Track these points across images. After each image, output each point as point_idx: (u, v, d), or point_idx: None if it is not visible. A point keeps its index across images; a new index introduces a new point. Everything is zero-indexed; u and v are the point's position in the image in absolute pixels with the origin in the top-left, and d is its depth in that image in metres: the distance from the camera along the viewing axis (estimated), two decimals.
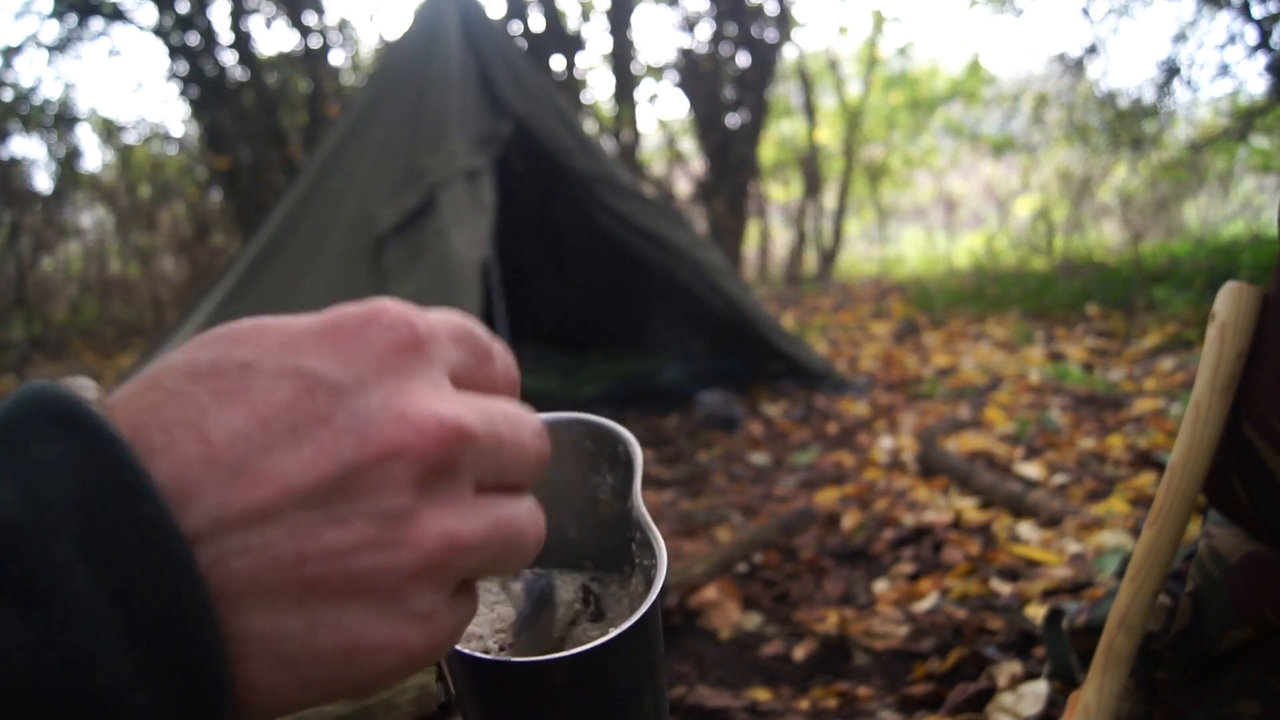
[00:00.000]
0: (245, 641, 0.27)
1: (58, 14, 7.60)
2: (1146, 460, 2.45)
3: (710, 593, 1.79)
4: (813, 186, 10.23)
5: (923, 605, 1.70)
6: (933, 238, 11.48)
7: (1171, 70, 5.77)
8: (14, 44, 7.50)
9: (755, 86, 8.10)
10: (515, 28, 7.41)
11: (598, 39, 9.47)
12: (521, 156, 3.79)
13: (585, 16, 8.17)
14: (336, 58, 8.30)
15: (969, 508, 2.21)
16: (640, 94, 8.51)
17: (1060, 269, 7.15)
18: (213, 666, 0.26)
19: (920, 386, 3.87)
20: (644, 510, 0.48)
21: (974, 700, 1.30)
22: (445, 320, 0.33)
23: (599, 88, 11.64)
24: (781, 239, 11.02)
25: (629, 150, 8.32)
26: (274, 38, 19.27)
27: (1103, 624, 0.76)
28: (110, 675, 0.24)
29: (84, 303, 8.63)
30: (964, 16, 18.46)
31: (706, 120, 8.19)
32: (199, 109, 7.87)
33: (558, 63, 7.72)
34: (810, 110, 9.92)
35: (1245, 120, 5.91)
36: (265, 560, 0.27)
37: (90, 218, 9.20)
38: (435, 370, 0.31)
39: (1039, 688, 1.27)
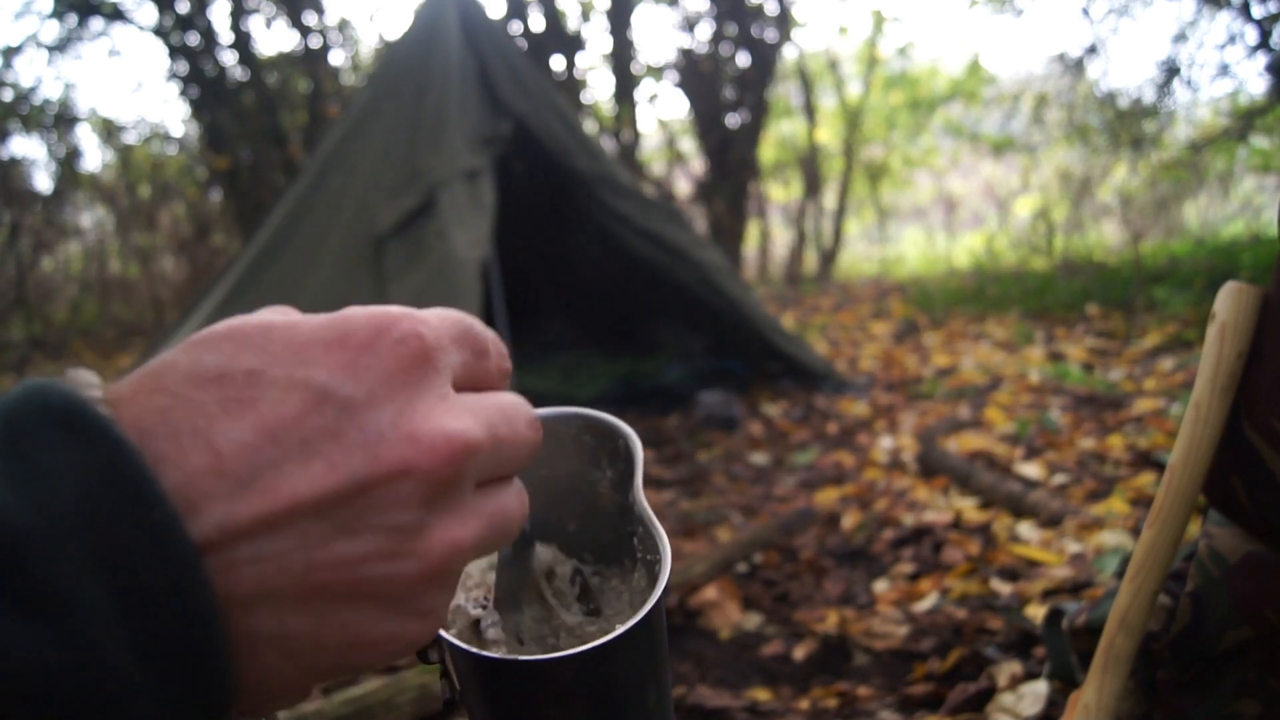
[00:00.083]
0: (251, 640, 0.27)
1: (58, 14, 7.60)
2: (1146, 460, 2.44)
3: (710, 593, 1.79)
4: (813, 186, 10.23)
5: (923, 605, 1.70)
6: (933, 238, 11.48)
7: (1171, 70, 5.77)
8: (14, 44, 7.50)
9: (755, 86, 8.10)
10: (515, 28, 7.41)
11: (598, 39, 9.48)
12: (521, 156, 3.79)
13: (585, 16, 8.17)
14: (336, 58, 8.31)
15: (969, 508, 2.21)
16: (640, 94, 8.51)
17: (1060, 269, 7.15)
18: (218, 669, 0.26)
19: (920, 386, 3.87)
20: (646, 505, 0.48)
21: (974, 700, 1.30)
22: (448, 322, 0.33)
23: (599, 88, 11.66)
24: (781, 239, 11.02)
25: (629, 150, 8.32)
26: (274, 38, 19.29)
27: (1103, 624, 0.76)
28: (115, 681, 0.24)
29: (84, 303, 8.63)
30: (964, 16, 18.47)
31: (706, 120, 8.19)
32: (199, 109, 7.87)
33: (558, 63, 7.72)
34: (810, 110, 9.92)
35: (1245, 120, 5.91)
36: (274, 568, 0.27)
37: (90, 218, 9.21)
38: (441, 380, 0.31)
39: (1039, 688, 1.27)
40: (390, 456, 0.28)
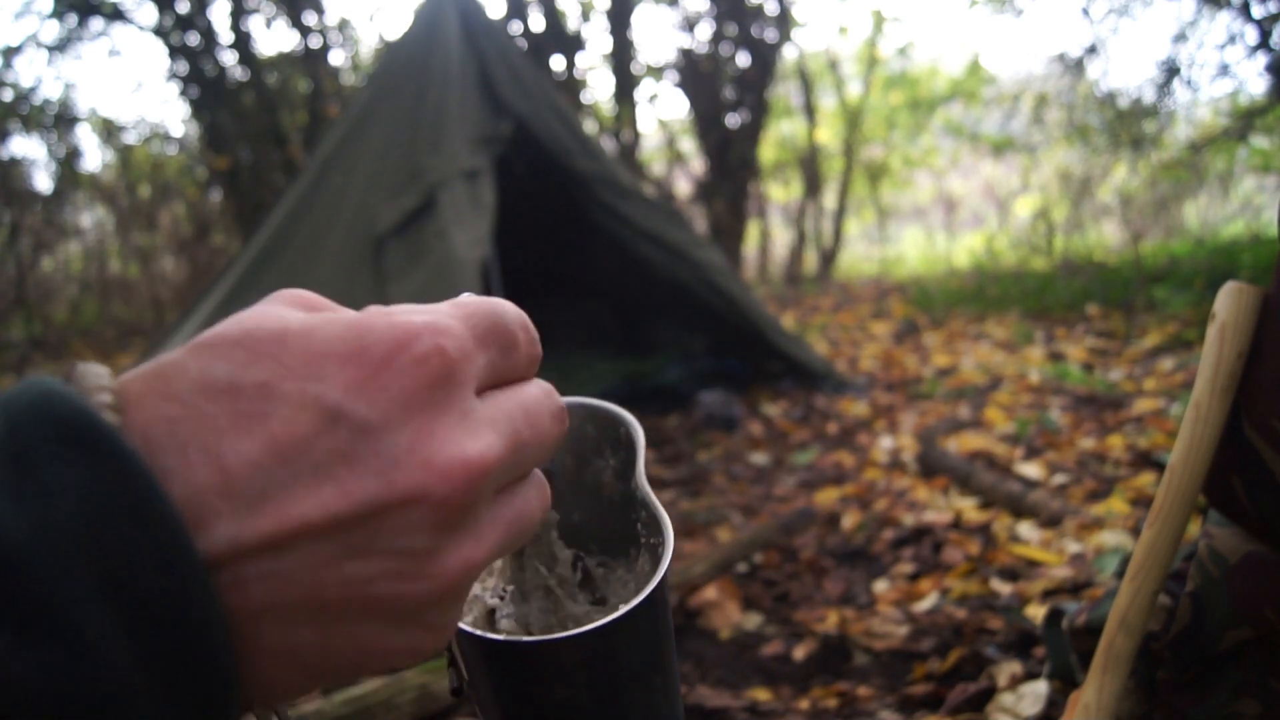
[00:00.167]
0: (259, 653, 0.27)
1: (58, 14, 7.60)
2: (1146, 460, 2.44)
3: (710, 593, 1.79)
4: (813, 186, 10.23)
5: (923, 605, 1.70)
6: (933, 238, 11.49)
7: (1171, 70, 5.77)
8: (14, 44, 7.51)
9: (755, 86, 8.10)
10: (515, 28, 7.41)
11: (598, 39, 9.48)
12: (521, 156, 3.79)
13: (585, 16, 8.17)
14: (336, 58, 8.31)
15: (969, 508, 2.21)
16: (640, 94, 8.51)
17: (1060, 269, 7.15)
18: (225, 687, 0.26)
19: (920, 386, 3.87)
20: (648, 489, 0.48)
21: (974, 700, 1.30)
22: (474, 321, 0.31)
23: (599, 88, 11.66)
24: (781, 239, 11.02)
25: (629, 150, 8.32)
26: (274, 38, 19.30)
27: (1103, 624, 0.76)
28: (122, 702, 0.24)
29: (84, 303, 8.63)
30: (964, 16, 18.47)
31: (706, 120, 8.19)
32: (199, 109, 7.87)
33: (558, 63, 7.72)
34: (810, 110, 9.92)
35: (1245, 120, 5.91)
36: (281, 585, 0.27)
37: (90, 218, 9.21)
38: (464, 394, 0.30)
39: (1039, 688, 1.27)
40: (404, 482, 0.27)
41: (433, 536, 0.28)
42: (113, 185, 8.91)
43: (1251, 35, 5.36)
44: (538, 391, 0.33)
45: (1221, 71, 5.68)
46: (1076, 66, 6.24)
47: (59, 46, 7.75)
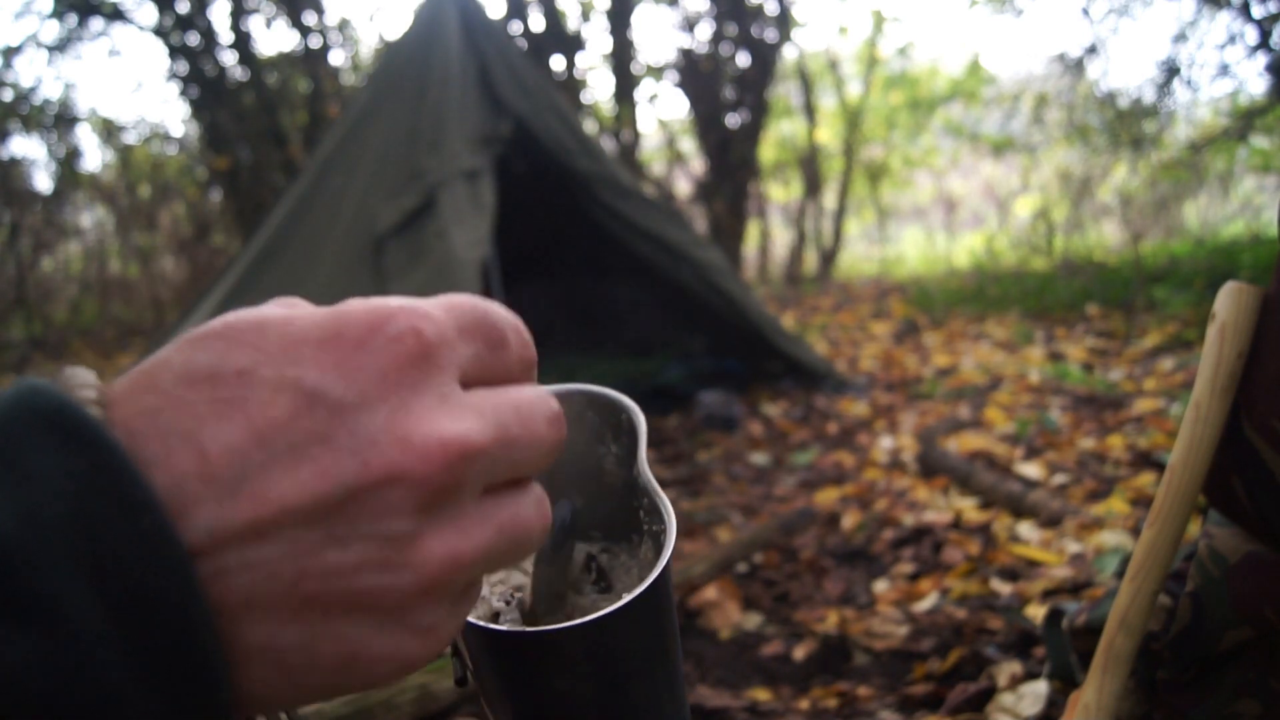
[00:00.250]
0: (244, 652, 0.27)
1: (58, 14, 7.60)
2: (1146, 460, 2.45)
3: (710, 593, 1.79)
4: (813, 186, 10.23)
5: (923, 605, 1.70)
6: (933, 238, 11.48)
7: (1171, 70, 5.77)
8: (14, 44, 7.51)
9: (755, 86, 8.10)
10: (515, 28, 7.41)
11: (598, 39, 9.48)
12: (521, 156, 3.78)
13: (585, 16, 8.17)
14: (336, 58, 8.31)
15: (969, 508, 2.21)
16: (640, 94, 8.51)
17: (1060, 269, 7.15)
18: (213, 679, 0.26)
19: (920, 386, 3.87)
20: (650, 475, 0.48)
21: (974, 700, 1.30)
22: (457, 313, 0.31)
23: (599, 88, 11.65)
24: (781, 239, 11.01)
25: (629, 150, 8.32)
26: (274, 38, 19.30)
27: (1103, 624, 0.76)
28: (110, 688, 0.24)
29: (84, 303, 8.63)
30: (964, 16, 18.47)
31: (706, 120, 8.19)
32: (199, 109, 7.87)
33: (558, 63, 7.72)
34: (810, 110, 9.92)
35: (1245, 120, 5.91)
36: (264, 576, 0.26)
37: (90, 218, 9.21)
38: (444, 379, 0.29)
39: (1039, 688, 1.27)
40: (380, 462, 0.27)
41: (412, 520, 0.28)
42: (113, 185, 8.91)
43: (1251, 35, 5.37)
44: (532, 394, 0.32)
45: (1221, 71, 5.68)
46: (1076, 66, 6.24)
47: (59, 46, 7.76)
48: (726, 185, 8.23)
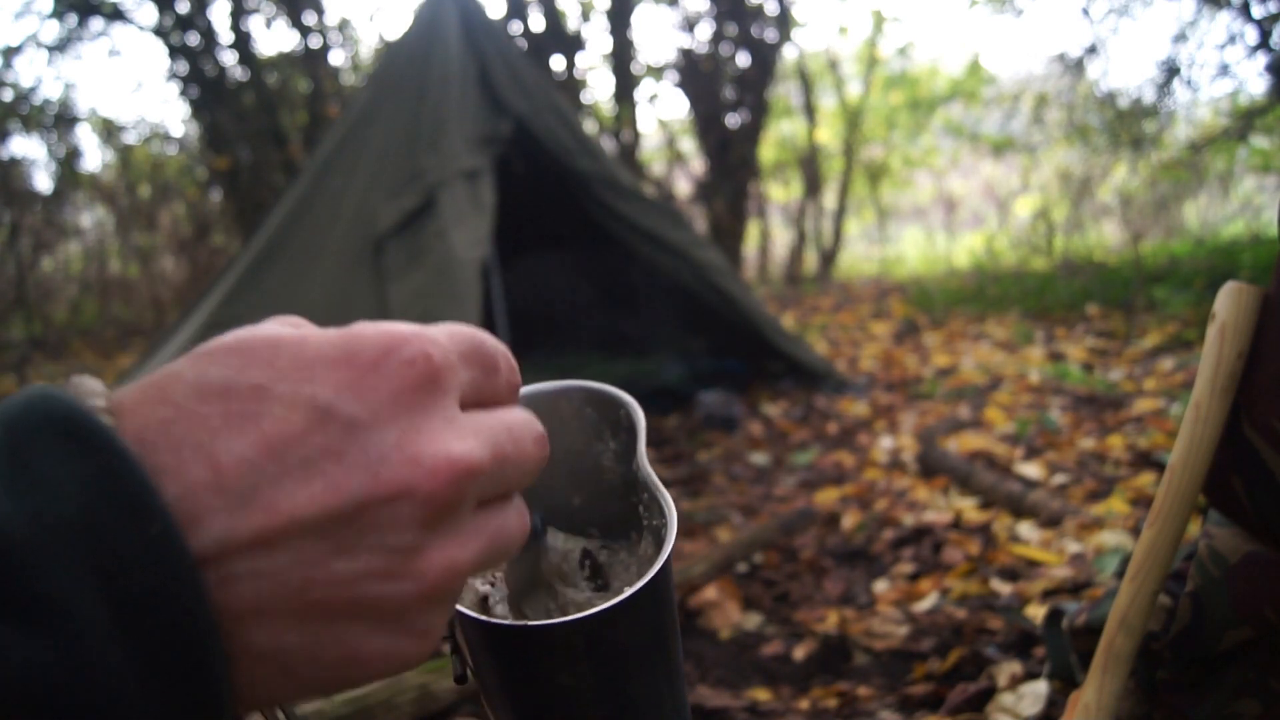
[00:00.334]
0: (247, 654, 0.27)
1: (58, 14, 7.60)
2: (1146, 460, 2.45)
3: (710, 593, 1.79)
4: (813, 186, 10.23)
5: (923, 605, 1.70)
6: (933, 238, 11.48)
7: (1171, 70, 5.78)
8: (14, 44, 7.50)
9: (755, 86, 8.10)
10: (515, 28, 7.41)
11: (598, 39, 9.46)
12: (521, 156, 3.78)
13: (585, 16, 8.17)
14: (336, 58, 8.31)
15: (969, 508, 2.21)
16: (640, 94, 8.51)
17: (1060, 269, 7.15)
18: (215, 682, 0.26)
19: (920, 386, 3.87)
20: (650, 470, 0.48)
21: (974, 700, 1.30)
22: (457, 339, 0.33)
23: (599, 88, 11.64)
24: (781, 239, 11.01)
25: (629, 150, 8.32)
26: (274, 38, 19.28)
27: (1103, 624, 0.76)
28: (113, 690, 0.24)
29: (84, 303, 8.63)
30: (964, 16, 18.47)
31: (706, 120, 8.19)
32: (199, 109, 7.87)
33: (558, 63, 7.72)
34: (810, 110, 9.92)
35: (1245, 120, 5.91)
36: (271, 584, 0.27)
37: (90, 218, 9.21)
38: (448, 401, 0.31)
39: (1039, 688, 1.27)
40: (391, 478, 0.28)
41: (418, 534, 0.29)
42: (113, 185, 8.91)
43: (1251, 35, 5.37)
44: (521, 415, 0.34)
45: (1221, 71, 5.68)
46: (1076, 66, 6.24)
47: (59, 46, 7.75)
48: (726, 185, 8.23)
